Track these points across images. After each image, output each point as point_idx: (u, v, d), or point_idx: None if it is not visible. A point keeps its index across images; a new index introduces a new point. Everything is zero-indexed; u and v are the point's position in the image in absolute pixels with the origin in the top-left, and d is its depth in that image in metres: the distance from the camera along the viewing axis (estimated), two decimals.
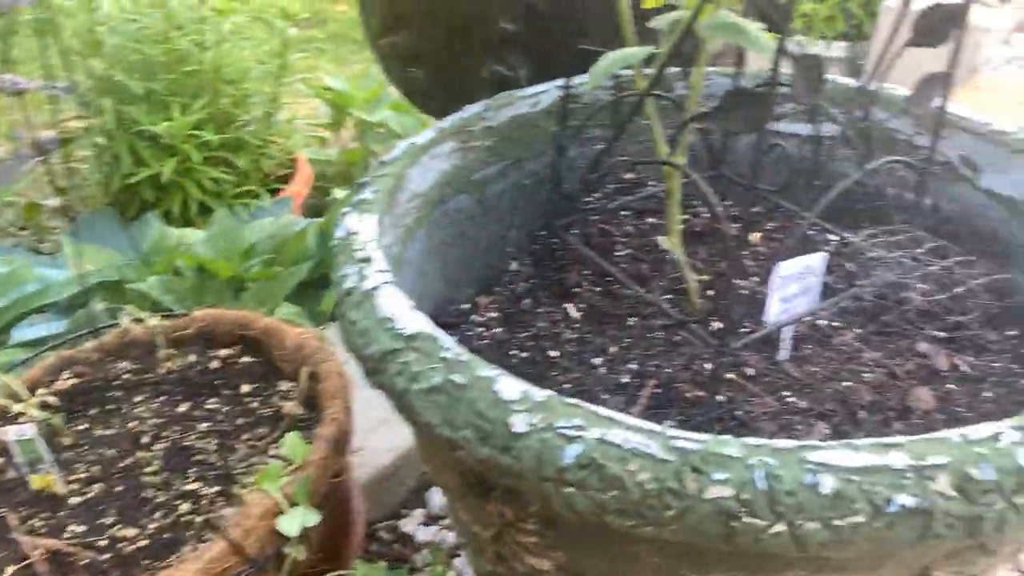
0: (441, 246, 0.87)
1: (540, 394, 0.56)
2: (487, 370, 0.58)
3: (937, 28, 0.68)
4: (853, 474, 0.50)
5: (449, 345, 0.60)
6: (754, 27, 0.61)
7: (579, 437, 0.53)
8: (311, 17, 3.22)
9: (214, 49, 1.67)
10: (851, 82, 0.89)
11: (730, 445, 0.52)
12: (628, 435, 0.53)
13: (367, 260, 0.68)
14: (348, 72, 2.63)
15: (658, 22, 0.66)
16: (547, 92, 0.97)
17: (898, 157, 0.72)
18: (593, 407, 0.55)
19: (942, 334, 0.77)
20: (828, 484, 0.50)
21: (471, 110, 0.93)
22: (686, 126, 0.66)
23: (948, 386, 0.73)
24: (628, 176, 0.99)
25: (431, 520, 1.15)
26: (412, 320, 0.62)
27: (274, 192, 1.76)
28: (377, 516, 1.14)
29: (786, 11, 0.69)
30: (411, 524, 1.14)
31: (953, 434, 0.52)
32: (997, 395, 0.72)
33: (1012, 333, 0.79)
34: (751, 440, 0.52)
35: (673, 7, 0.67)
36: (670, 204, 0.76)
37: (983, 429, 0.52)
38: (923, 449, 0.51)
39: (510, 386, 0.56)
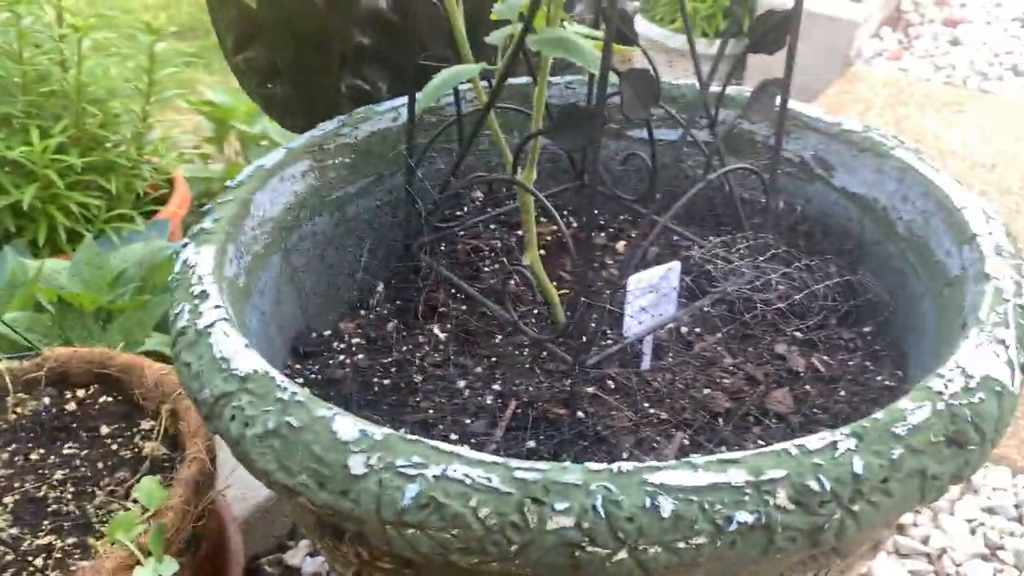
0: (299, 272, 0.84)
1: (379, 432, 0.53)
2: (324, 409, 0.55)
3: (771, 33, 0.69)
4: (693, 494, 0.49)
5: (285, 385, 0.57)
6: (587, 42, 0.60)
7: (419, 475, 0.51)
8: (196, 28, 3.11)
9: (76, 68, 1.59)
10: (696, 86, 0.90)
11: (570, 472, 0.51)
12: (469, 469, 0.51)
13: (203, 295, 0.65)
14: (234, 84, 2.54)
15: (493, 37, 0.64)
16: (407, 105, 0.95)
17: (741, 163, 0.73)
18: (434, 442, 0.53)
19: (799, 335, 0.78)
20: (668, 507, 0.49)
21: (326, 127, 0.90)
22: (528, 141, 0.65)
23: (805, 387, 0.73)
24: (492, 189, 0.98)
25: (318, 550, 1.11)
26: (247, 359, 0.59)
27: (150, 214, 1.68)
28: (261, 550, 1.10)
29: (628, 19, 0.68)
30: (297, 556, 1.10)
31: (790, 445, 0.52)
32: (851, 393, 0.73)
33: (866, 330, 0.80)
34: (593, 465, 0.51)
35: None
36: (526, 219, 0.75)
37: (820, 438, 0.53)
38: (761, 463, 0.51)
39: (348, 425, 0.54)
